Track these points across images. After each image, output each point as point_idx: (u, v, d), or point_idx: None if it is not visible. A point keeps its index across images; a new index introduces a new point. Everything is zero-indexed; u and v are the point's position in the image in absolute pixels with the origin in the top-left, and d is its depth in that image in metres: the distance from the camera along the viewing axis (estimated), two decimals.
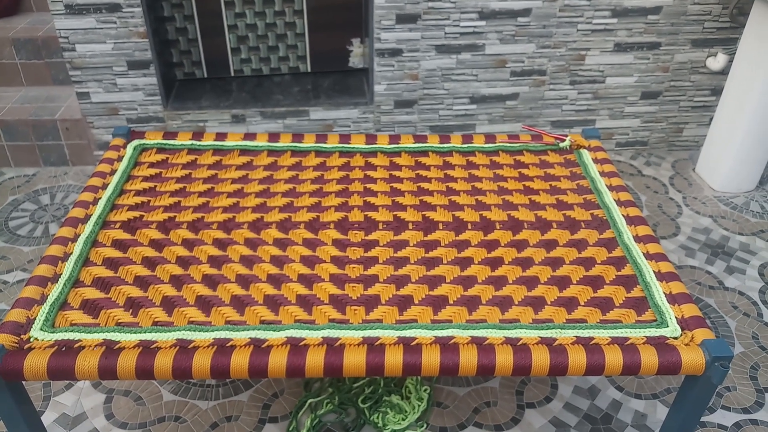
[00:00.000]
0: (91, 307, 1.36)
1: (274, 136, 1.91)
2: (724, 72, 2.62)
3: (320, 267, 1.49)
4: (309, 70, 2.72)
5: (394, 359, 1.25)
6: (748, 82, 2.33)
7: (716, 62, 2.58)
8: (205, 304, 1.38)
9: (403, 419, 1.64)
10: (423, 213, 1.66)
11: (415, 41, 2.43)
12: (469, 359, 1.25)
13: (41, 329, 1.29)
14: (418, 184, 1.76)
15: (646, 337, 1.32)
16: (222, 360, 1.23)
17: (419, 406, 1.67)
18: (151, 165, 1.79)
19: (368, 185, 1.76)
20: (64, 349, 1.25)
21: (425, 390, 1.71)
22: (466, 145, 1.91)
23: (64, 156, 2.58)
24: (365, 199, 1.71)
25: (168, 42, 2.57)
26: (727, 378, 1.80)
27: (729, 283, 2.12)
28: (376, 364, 1.25)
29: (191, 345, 1.27)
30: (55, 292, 1.38)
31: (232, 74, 2.70)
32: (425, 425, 1.65)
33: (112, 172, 1.75)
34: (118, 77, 2.41)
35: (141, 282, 1.43)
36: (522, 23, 2.43)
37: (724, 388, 1.77)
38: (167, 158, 1.82)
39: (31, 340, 1.27)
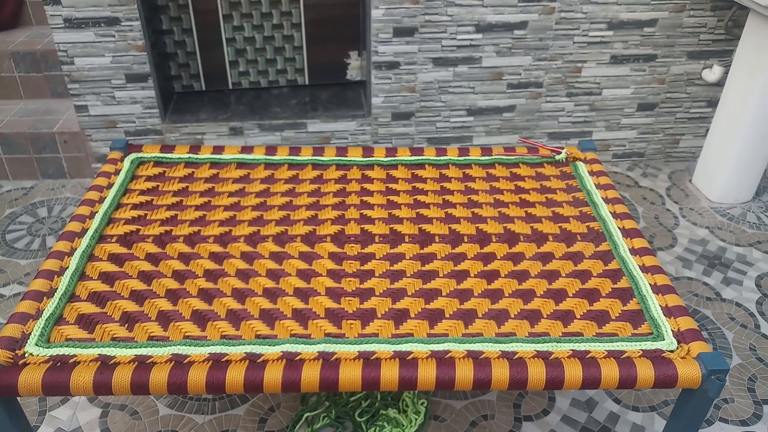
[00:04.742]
0: (86, 322, 1.36)
1: (271, 149, 1.91)
2: (720, 83, 2.63)
3: (316, 280, 1.49)
4: (307, 82, 2.73)
5: (390, 374, 1.25)
6: (743, 94, 2.34)
7: (712, 74, 2.59)
8: (200, 318, 1.38)
9: None
10: (419, 226, 1.67)
11: (412, 54, 2.44)
12: (465, 373, 1.25)
13: (36, 344, 1.29)
14: (415, 197, 1.77)
15: (642, 350, 1.32)
16: (217, 375, 1.23)
17: (416, 419, 1.67)
18: (149, 178, 1.80)
19: (365, 198, 1.76)
20: (59, 364, 1.25)
21: (422, 403, 1.70)
22: (462, 158, 1.92)
23: (62, 169, 2.58)
24: (362, 212, 1.71)
25: (166, 55, 2.58)
26: (725, 390, 1.80)
27: (726, 295, 2.12)
28: (372, 378, 1.25)
29: (186, 360, 1.26)
30: (50, 306, 1.37)
31: (230, 87, 2.71)
32: None
33: (110, 186, 1.75)
34: (117, 90, 2.42)
35: (137, 296, 1.43)
36: (518, 36, 2.44)
37: (722, 400, 1.77)
38: (164, 171, 1.83)
39: (26, 355, 1.27)
